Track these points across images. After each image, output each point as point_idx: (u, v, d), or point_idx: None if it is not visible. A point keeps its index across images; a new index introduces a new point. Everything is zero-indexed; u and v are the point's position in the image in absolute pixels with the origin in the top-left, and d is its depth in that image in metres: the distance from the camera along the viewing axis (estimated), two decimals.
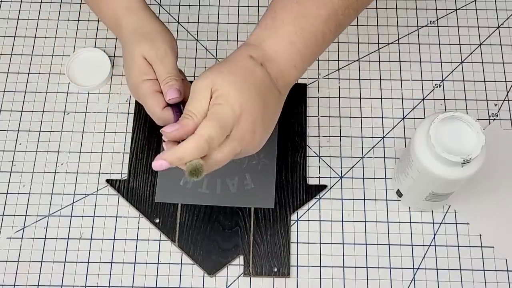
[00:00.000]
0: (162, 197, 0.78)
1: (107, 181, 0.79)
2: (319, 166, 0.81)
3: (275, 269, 0.74)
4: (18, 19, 0.90)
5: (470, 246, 0.76)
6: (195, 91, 0.60)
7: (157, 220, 0.77)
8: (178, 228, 0.77)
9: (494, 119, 0.83)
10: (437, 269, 0.75)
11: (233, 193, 0.78)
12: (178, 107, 0.66)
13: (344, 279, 0.75)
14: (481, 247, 0.76)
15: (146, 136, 0.82)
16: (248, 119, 0.59)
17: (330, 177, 0.80)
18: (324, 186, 0.79)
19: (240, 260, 0.75)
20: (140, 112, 0.83)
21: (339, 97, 0.85)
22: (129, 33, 0.69)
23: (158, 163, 0.58)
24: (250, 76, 0.60)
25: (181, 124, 0.59)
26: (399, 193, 0.77)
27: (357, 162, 0.81)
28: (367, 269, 0.75)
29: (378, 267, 0.75)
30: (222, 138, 0.59)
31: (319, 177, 0.80)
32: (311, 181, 0.80)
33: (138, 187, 0.79)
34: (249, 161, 0.80)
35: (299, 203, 0.78)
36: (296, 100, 0.84)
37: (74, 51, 0.87)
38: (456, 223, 0.77)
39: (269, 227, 0.77)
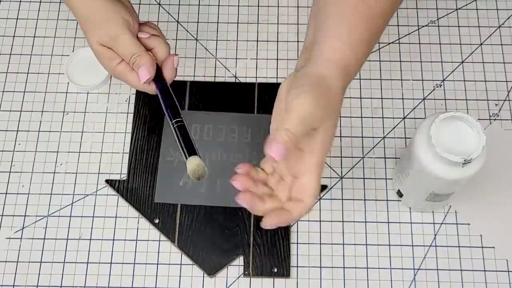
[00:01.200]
0: (161, 197, 0.78)
1: (107, 181, 0.79)
2: None
3: (275, 270, 0.74)
4: (17, 18, 0.90)
5: (470, 247, 0.76)
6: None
7: (157, 221, 0.77)
8: (178, 228, 0.76)
9: (495, 119, 0.83)
10: (437, 269, 0.75)
11: (233, 193, 0.78)
12: (157, 77, 0.68)
13: (344, 279, 0.74)
14: (482, 247, 0.76)
15: (146, 136, 0.81)
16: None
17: (331, 177, 0.80)
18: (325, 187, 0.79)
19: (240, 260, 0.75)
20: (139, 112, 0.83)
21: None
22: (82, 24, 0.68)
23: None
24: (337, 109, 0.63)
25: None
26: (399, 194, 0.77)
27: (357, 162, 0.81)
28: (367, 270, 0.75)
29: (379, 268, 0.75)
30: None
31: None
32: None
33: (137, 187, 0.79)
34: (249, 161, 0.79)
35: None
36: None
37: (73, 51, 0.87)
38: (456, 224, 0.77)
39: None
